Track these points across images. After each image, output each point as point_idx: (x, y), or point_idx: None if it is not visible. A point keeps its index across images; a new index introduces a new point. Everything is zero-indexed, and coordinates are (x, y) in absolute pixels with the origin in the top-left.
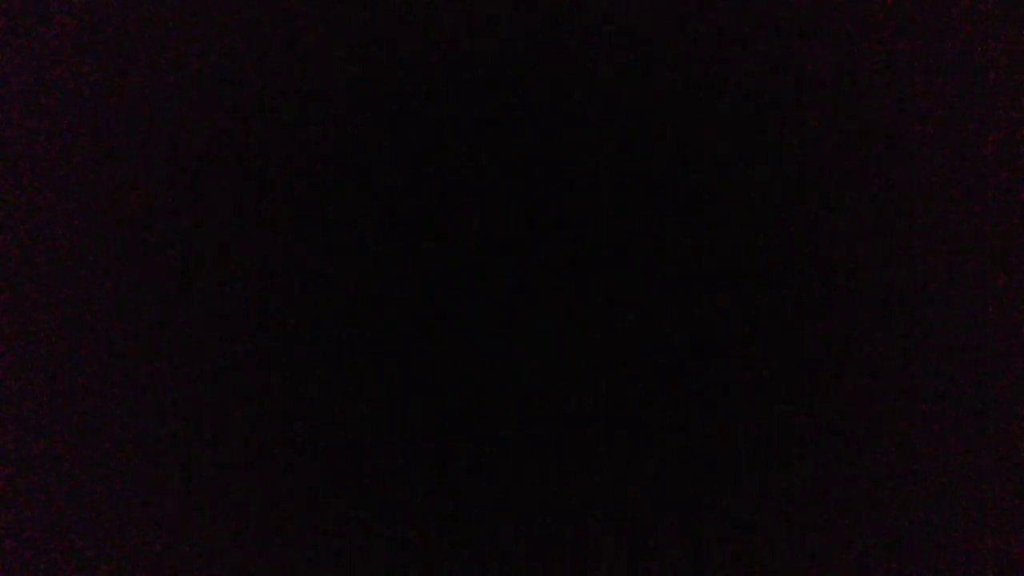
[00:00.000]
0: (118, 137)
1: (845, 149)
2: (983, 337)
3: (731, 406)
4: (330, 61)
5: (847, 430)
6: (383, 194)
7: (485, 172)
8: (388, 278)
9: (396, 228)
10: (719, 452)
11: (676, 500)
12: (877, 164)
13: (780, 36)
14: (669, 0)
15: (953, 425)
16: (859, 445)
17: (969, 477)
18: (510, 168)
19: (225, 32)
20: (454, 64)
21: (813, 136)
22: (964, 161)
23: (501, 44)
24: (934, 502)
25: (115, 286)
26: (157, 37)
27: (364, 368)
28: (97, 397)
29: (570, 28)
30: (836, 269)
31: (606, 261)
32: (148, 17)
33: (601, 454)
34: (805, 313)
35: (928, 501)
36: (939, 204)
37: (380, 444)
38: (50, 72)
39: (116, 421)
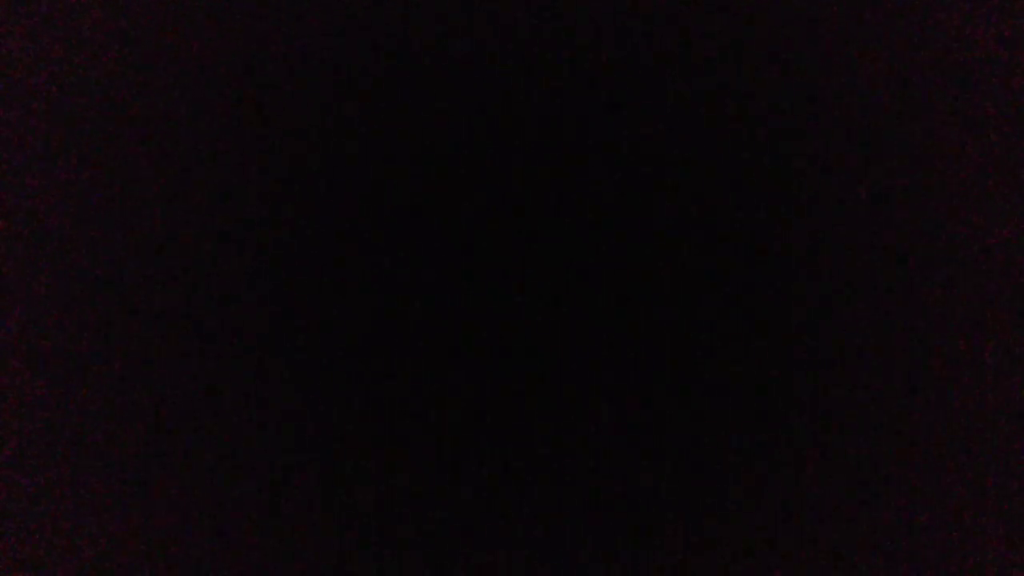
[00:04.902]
0: (119, 136)
1: (845, 149)
2: (983, 337)
3: (730, 406)
4: (330, 61)
5: (846, 430)
6: (383, 194)
7: (484, 172)
8: (389, 278)
9: (397, 228)
10: (719, 452)
11: (676, 500)
12: (877, 164)
13: (779, 36)
14: (669, 1)
15: (953, 425)
16: (858, 445)
17: (969, 477)
18: (510, 169)
19: (225, 32)
20: (454, 64)
21: (812, 136)
22: (964, 161)
23: (500, 44)
24: (933, 502)
25: (116, 286)
26: (158, 37)
27: (364, 368)
28: (98, 397)
29: (568, 28)
30: (835, 269)
31: (606, 262)
32: (148, 17)
33: (600, 455)
34: (804, 314)
35: (928, 501)
36: (939, 204)
37: (380, 444)
38: (51, 71)
39: (117, 421)
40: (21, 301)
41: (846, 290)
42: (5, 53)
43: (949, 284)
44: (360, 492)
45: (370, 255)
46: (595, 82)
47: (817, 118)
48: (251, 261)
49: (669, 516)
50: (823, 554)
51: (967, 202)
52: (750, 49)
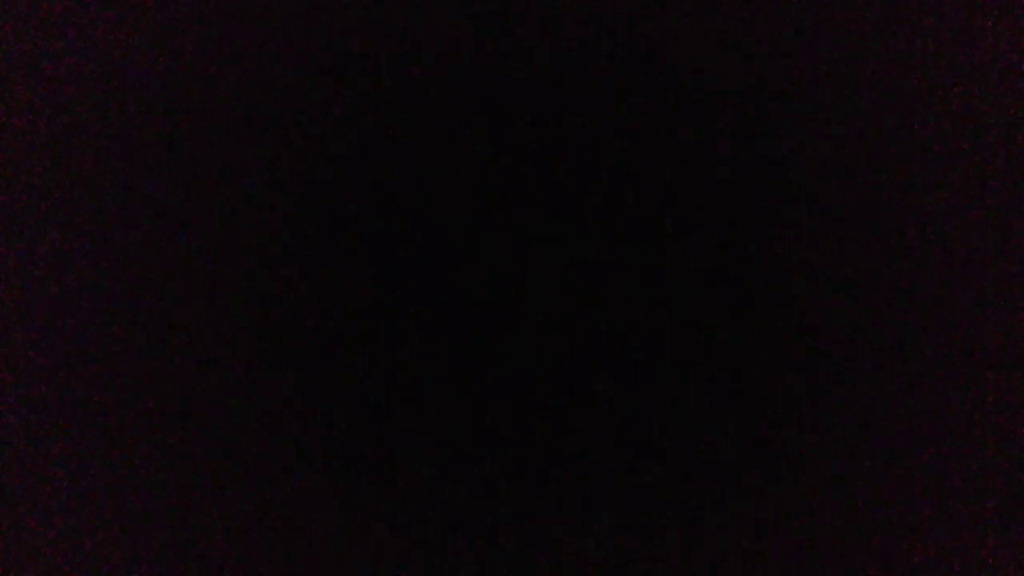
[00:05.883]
0: (118, 137)
1: (843, 149)
2: (983, 337)
3: (730, 407)
4: (328, 61)
5: (846, 430)
6: (383, 194)
7: (483, 172)
8: (389, 278)
9: (396, 228)
10: (718, 453)
11: (676, 500)
12: (877, 164)
13: (779, 36)
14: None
15: (953, 425)
16: (858, 446)
17: (969, 477)
18: (509, 168)
19: (225, 32)
20: (454, 64)
21: (811, 136)
22: (964, 161)
23: (499, 44)
24: (933, 502)
25: (116, 286)
26: (157, 37)
27: (364, 368)
28: (98, 397)
29: (567, 28)
30: (834, 269)
31: (606, 262)
32: (148, 17)
33: (600, 456)
34: (804, 313)
35: (927, 501)
36: (939, 204)
37: (379, 445)
38: (51, 72)
39: (116, 421)
40: (21, 301)
41: (846, 290)
42: (5, 53)
43: (950, 284)
44: (359, 492)
45: (370, 255)
46: (595, 82)
47: (817, 118)
48: (251, 261)
49: (668, 516)
50: (823, 554)
51: (967, 202)
52: (749, 49)
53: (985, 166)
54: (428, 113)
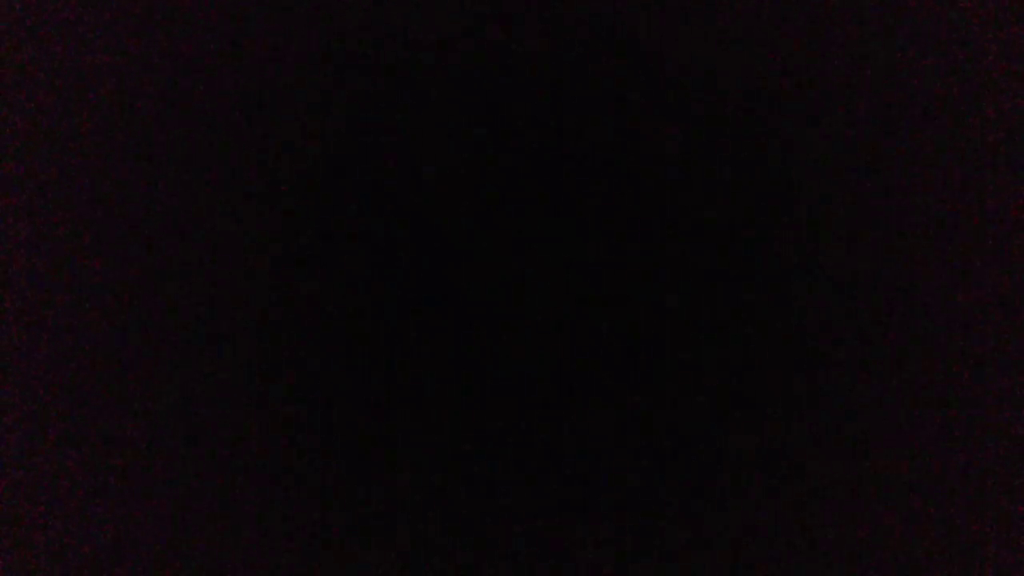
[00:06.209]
0: (119, 137)
1: (843, 149)
2: (983, 336)
3: (730, 407)
4: (328, 61)
5: (846, 430)
6: (381, 194)
7: (483, 172)
8: (388, 279)
9: (396, 228)
10: (717, 453)
11: (676, 500)
12: (877, 164)
13: (779, 36)
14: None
15: (953, 425)
16: (858, 446)
17: (969, 477)
18: (509, 168)
19: (225, 32)
20: (453, 64)
21: (811, 136)
22: (964, 161)
23: (498, 43)
24: (934, 503)
25: (116, 286)
26: (158, 37)
27: (363, 369)
28: (98, 397)
29: (567, 28)
30: (834, 269)
31: (606, 262)
32: (149, 17)
33: (598, 456)
34: (804, 313)
35: (928, 502)
36: (939, 204)
37: (379, 445)
38: (51, 72)
39: (116, 421)
40: (21, 301)
41: (846, 290)
42: (5, 53)
43: (950, 284)
44: (359, 492)
45: (369, 255)
46: (595, 82)
47: (817, 118)
48: (251, 261)
49: (667, 517)
50: (823, 554)
51: (967, 202)
52: (750, 49)
53: (985, 166)
54: (427, 113)
